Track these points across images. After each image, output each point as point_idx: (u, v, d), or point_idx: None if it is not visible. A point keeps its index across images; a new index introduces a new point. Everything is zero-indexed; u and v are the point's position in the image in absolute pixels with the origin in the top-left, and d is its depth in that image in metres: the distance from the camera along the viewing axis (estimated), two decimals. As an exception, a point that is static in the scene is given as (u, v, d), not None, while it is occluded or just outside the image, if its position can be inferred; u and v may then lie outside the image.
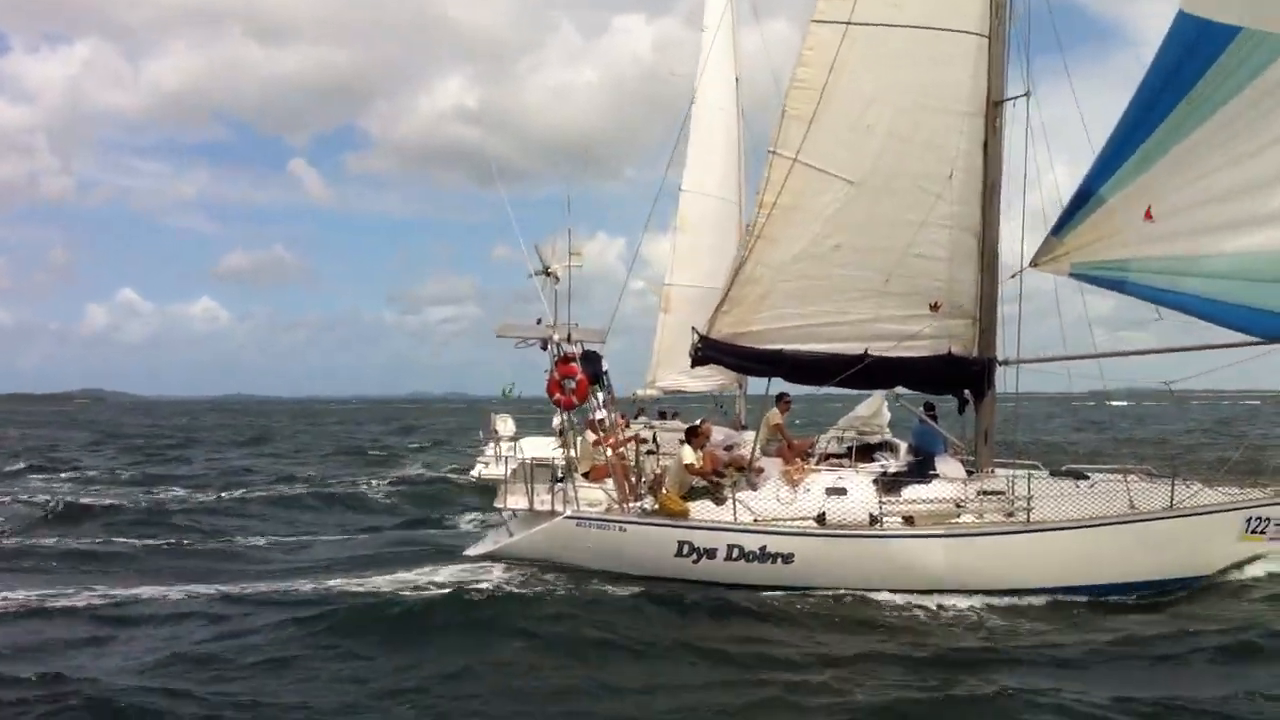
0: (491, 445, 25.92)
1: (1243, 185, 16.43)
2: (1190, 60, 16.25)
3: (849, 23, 16.95)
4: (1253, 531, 17.37)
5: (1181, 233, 16.74)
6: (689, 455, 17.63)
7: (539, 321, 17.69)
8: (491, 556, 17.87)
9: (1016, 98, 17.69)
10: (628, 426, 20.40)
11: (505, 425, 26.90)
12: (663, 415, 30.31)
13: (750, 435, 20.94)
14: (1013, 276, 18.00)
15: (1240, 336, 17.35)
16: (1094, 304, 18.39)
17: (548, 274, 17.89)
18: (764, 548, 16.51)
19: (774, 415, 19.28)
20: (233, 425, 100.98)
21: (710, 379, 27.48)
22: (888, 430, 19.73)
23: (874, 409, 20.29)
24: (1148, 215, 16.70)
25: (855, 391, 18.88)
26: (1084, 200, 17.03)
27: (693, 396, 30.45)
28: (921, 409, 19.20)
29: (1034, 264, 17.56)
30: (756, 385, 23.45)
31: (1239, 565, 17.28)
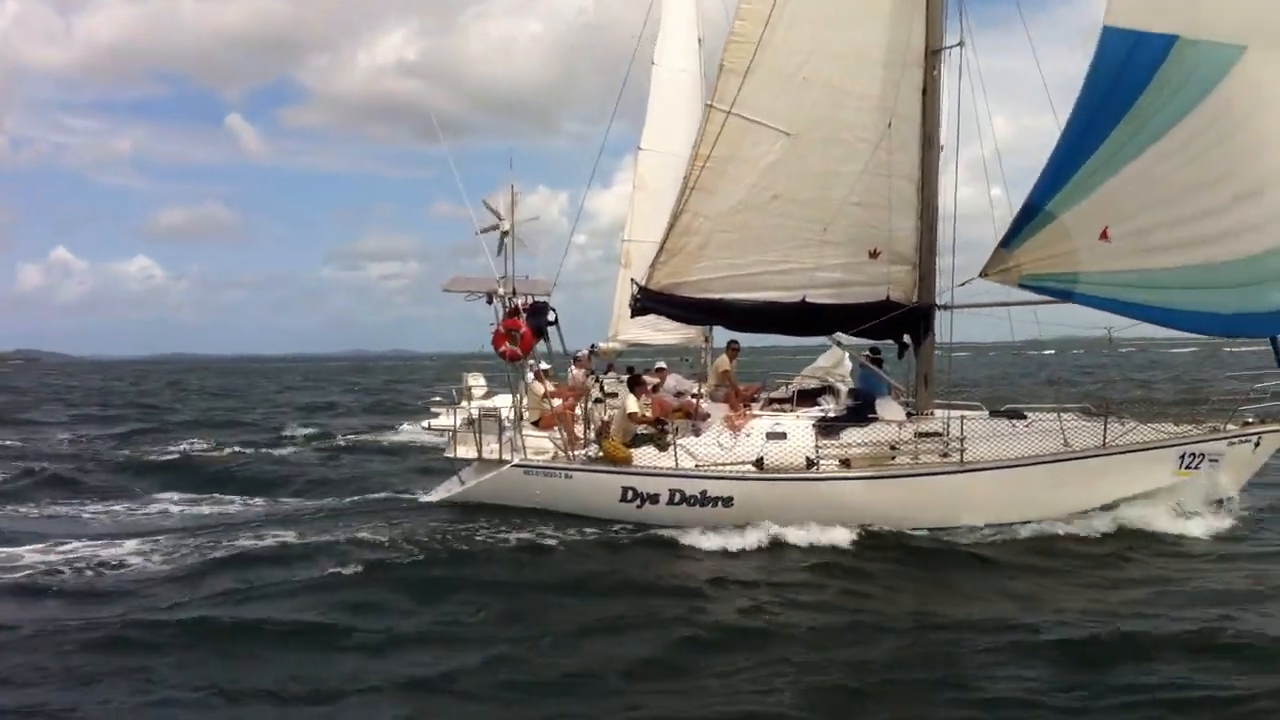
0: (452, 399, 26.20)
1: (1201, 210, 16.66)
2: (1128, 73, 16.39)
3: (784, -26, 17.12)
4: (1186, 468, 17.82)
5: (1138, 251, 17.00)
6: (632, 404, 18.08)
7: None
8: (444, 504, 18.35)
9: (950, 47, 17.91)
10: (597, 383, 20.72)
11: (477, 381, 27.33)
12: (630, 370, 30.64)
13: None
14: (962, 285, 18.40)
15: None
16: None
17: (500, 232, 18.16)
18: (704, 492, 17.02)
19: (722, 362, 19.67)
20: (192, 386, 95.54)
21: (674, 332, 27.75)
22: (849, 379, 20.17)
23: (835, 359, 20.71)
24: (1104, 235, 16.98)
25: (797, 339, 19.23)
26: (1031, 215, 17.25)
27: (655, 351, 30.47)
28: (866, 354, 19.66)
29: (983, 274, 17.88)
30: (722, 339, 23.70)
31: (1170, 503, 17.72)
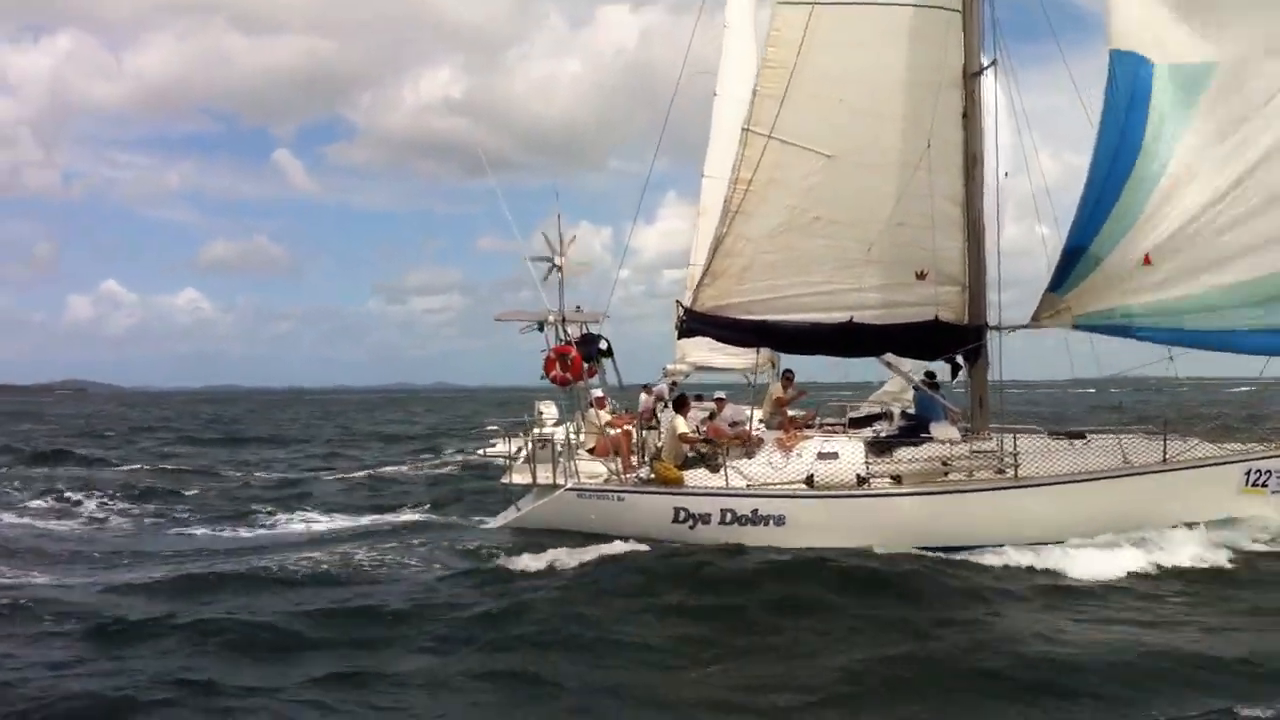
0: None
1: (1230, 220, 16.73)
2: (1132, 109, 16.80)
3: (814, 2, 17.58)
4: (1253, 484, 17.39)
5: (1185, 273, 17.04)
6: (681, 424, 18.30)
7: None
8: (504, 529, 18.63)
9: (984, 68, 18.15)
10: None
11: (549, 409, 27.50)
12: (699, 399, 30.72)
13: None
14: (1012, 330, 18.56)
15: None
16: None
17: (551, 265, 18.72)
18: (756, 510, 17.08)
19: (776, 389, 19.85)
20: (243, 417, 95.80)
21: (740, 356, 27.47)
22: (909, 405, 20.16)
23: (900, 386, 20.75)
24: (1146, 260, 17.06)
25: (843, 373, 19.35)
26: (1076, 257, 17.42)
27: (721, 374, 30.20)
28: (922, 379, 19.66)
29: (1035, 319, 18.03)
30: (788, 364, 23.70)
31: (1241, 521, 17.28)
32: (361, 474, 34.30)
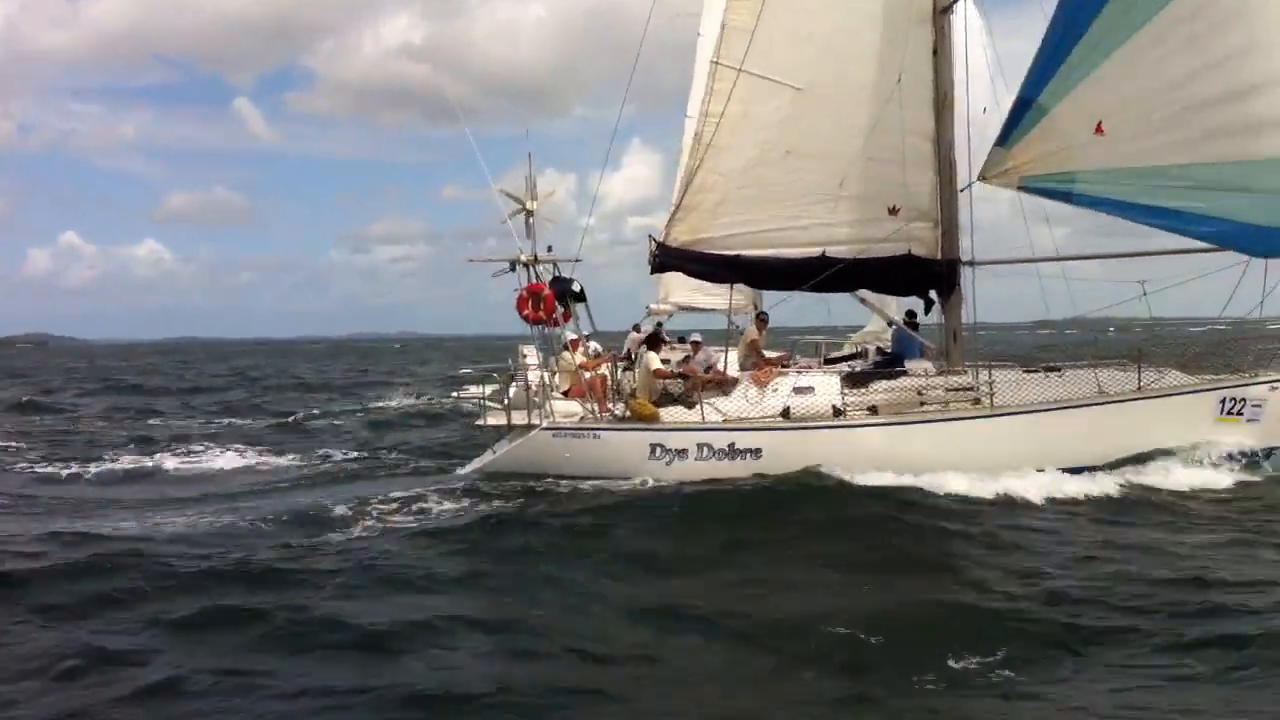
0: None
1: (1200, 100, 16.42)
2: None
3: (784, -64, 17.58)
4: (1227, 413, 17.52)
5: (1137, 146, 16.79)
6: (654, 360, 18.25)
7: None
8: (478, 473, 18.47)
9: (953, 3, 18.17)
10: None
11: (532, 353, 26.77)
12: (680, 340, 30.27)
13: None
14: (962, 190, 18.39)
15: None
16: (1042, 235, 18.73)
17: (525, 212, 18.61)
18: (732, 444, 17.03)
19: (750, 332, 19.76)
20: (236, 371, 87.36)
21: (723, 295, 27.01)
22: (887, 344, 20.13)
23: (880, 327, 20.70)
24: (1099, 130, 16.84)
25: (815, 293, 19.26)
26: (1025, 108, 17.22)
27: (705, 313, 29.63)
28: (903, 318, 19.68)
29: (982, 177, 17.83)
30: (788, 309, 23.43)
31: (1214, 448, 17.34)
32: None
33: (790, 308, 20.30)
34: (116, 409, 39.67)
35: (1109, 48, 16.63)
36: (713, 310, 27.98)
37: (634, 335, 20.89)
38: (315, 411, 35.41)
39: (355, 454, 23.96)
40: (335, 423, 31.41)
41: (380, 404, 38.56)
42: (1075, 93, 16.91)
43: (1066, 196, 17.48)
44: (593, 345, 19.34)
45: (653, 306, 29.06)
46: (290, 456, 23.54)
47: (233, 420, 33.88)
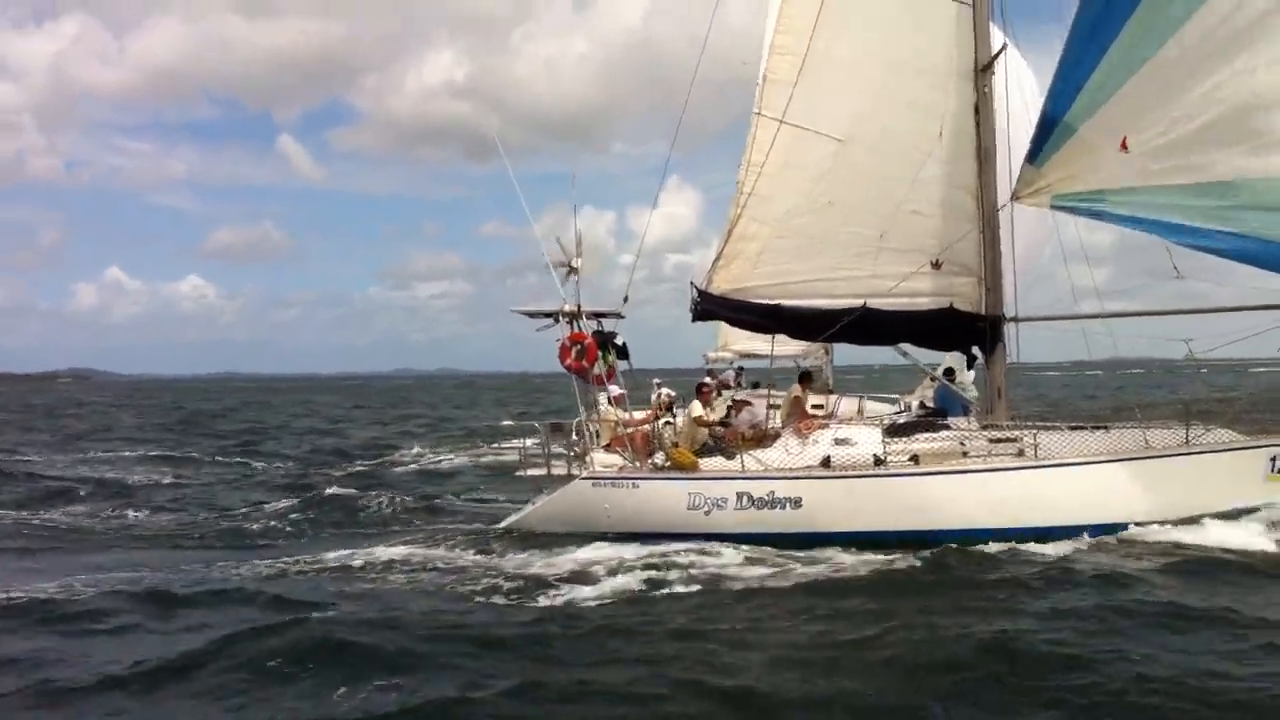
0: None
1: (1242, 108, 16.17)
2: None
3: (826, -11, 17.89)
4: (1278, 471, 17.12)
5: (1166, 163, 16.63)
6: (697, 409, 18.24)
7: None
8: (516, 527, 18.41)
9: (995, 57, 18.34)
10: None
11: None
12: (755, 385, 29.89)
13: (835, 399, 22.37)
14: (1000, 208, 18.32)
15: (1271, 296, 17.04)
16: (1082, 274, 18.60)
17: (568, 269, 18.82)
18: (772, 493, 16.87)
19: (795, 389, 19.71)
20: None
21: (790, 343, 25.20)
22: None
23: (929, 388, 20.45)
24: (1123, 146, 16.78)
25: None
26: (1050, 126, 17.25)
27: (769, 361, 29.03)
28: (942, 372, 19.56)
29: (1015, 197, 17.81)
30: (842, 353, 23.01)
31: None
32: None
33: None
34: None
35: (1133, 64, 16.56)
36: (778, 357, 27.37)
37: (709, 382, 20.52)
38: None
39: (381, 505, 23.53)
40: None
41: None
42: (1101, 110, 16.89)
43: (1098, 215, 17.44)
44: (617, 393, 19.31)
45: (710, 355, 28.67)
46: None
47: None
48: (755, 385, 29.69)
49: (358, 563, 16.50)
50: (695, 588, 14.54)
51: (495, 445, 33.89)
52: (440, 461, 33.87)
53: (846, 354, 19.89)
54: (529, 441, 19.72)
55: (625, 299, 18.84)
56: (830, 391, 26.55)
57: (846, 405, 22.40)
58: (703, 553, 16.29)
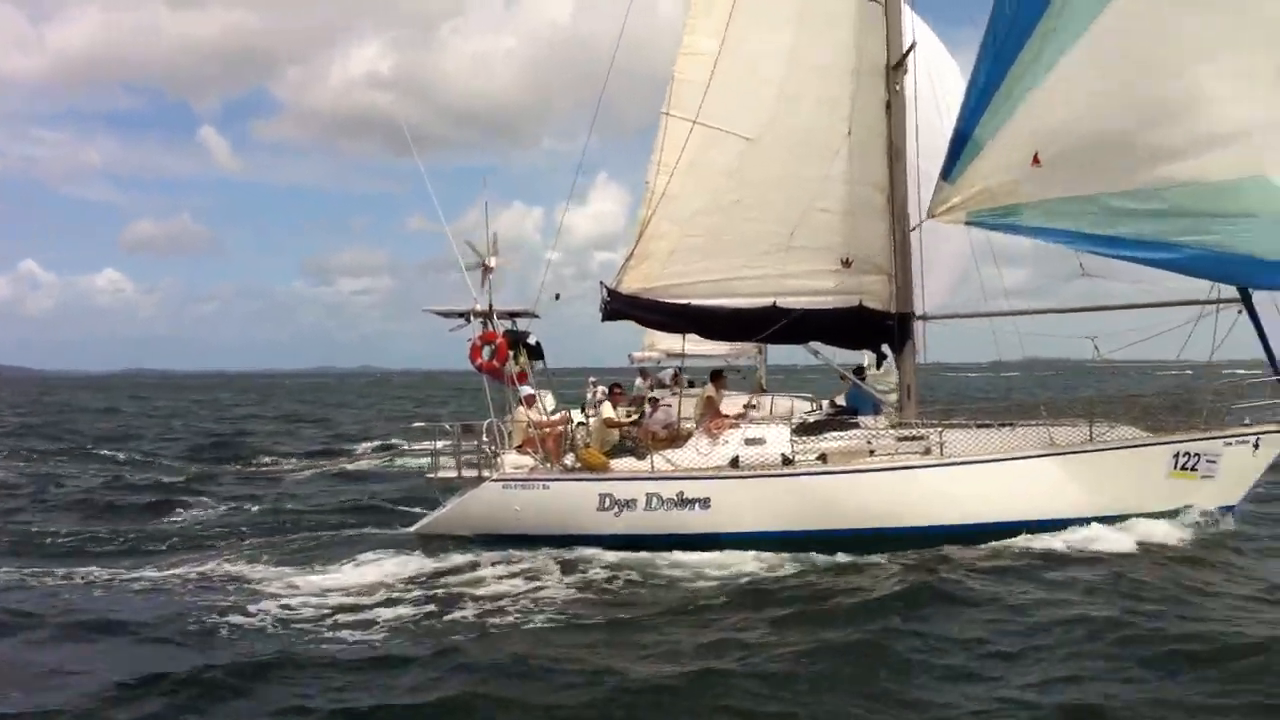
0: None
1: (1144, 118, 16.36)
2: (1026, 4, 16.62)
3: (735, -11, 17.81)
4: (1182, 468, 17.32)
5: (1075, 175, 16.81)
6: (607, 410, 18.20)
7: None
8: (426, 531, 18.20)
9: (905, 54, 18.37)
10: (645, 401, 20.47)
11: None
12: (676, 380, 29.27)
13: (768, 399, 22.06)
14: (912, 229, 18.44)
15: (1176, 293, 17.55)
16: (1006, 276, 18.86)
17: (485, 268, 18.64)
18: (681, 494, 16.84)
19: (708, 389, 19.65)
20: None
21: (715, 343, 25.14)
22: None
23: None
24: (1035, 161, 16.91)
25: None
26: (962, 142, 17.40)
27: (699, 360, 28.03)
28: (852, 372, 19.64)
29: (931, 214, 17.95)
30: (776, 353, 22.91)
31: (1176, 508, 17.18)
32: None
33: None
34: None
35: (1034, 79, 16.72)
36: (709, 355, 27.20)
37: (639, 383, 20.27)
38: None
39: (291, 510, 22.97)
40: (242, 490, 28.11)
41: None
42: (1009, 127, 17.02)
43: (1014, 229, 17.60)
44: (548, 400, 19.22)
45: (636, 355, 28.40)
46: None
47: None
48: (691, 384, 29.43)
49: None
50: (600, 591, 14.57)
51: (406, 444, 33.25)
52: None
53: (784, 353, 19.76)
54: (440, 443, 19.55)
55: (557, 296, 18.66)
56: (764, 391, 26.48)
57: (780, 404, 22.32)
58: (607, 555, 16.35)
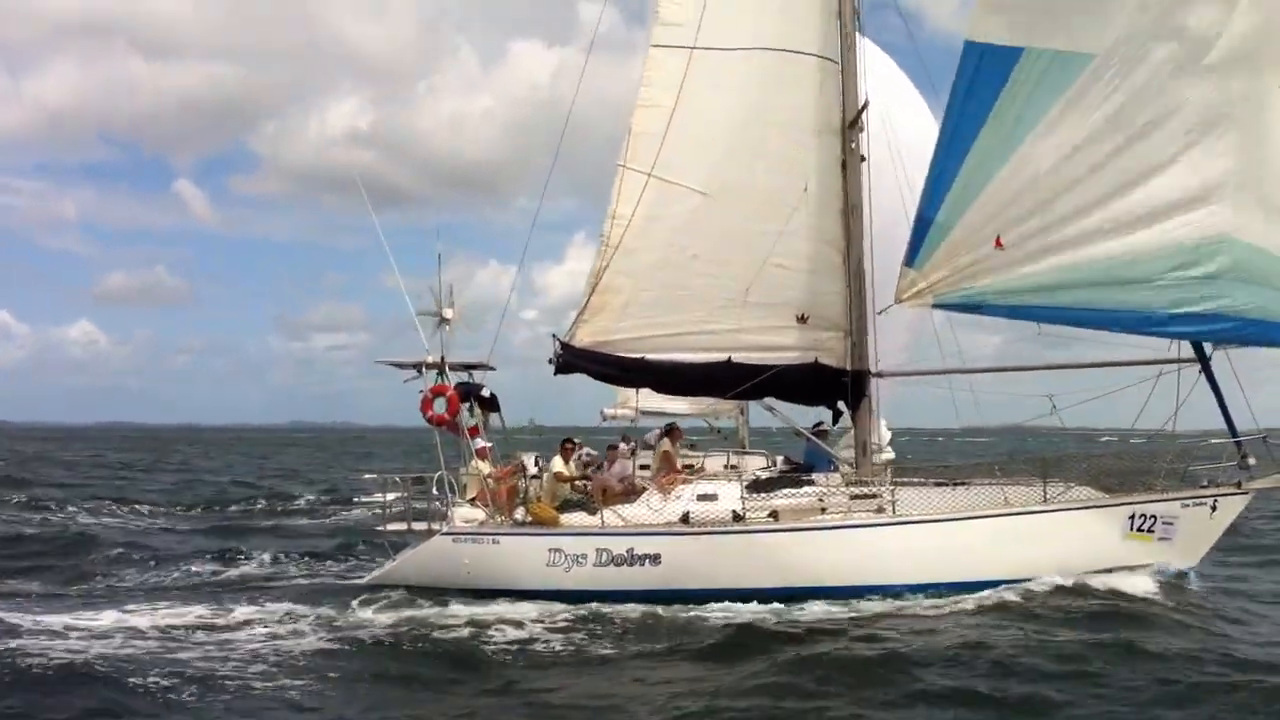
0: None
1: (1086, 202, 16.86)
2: (983, 85, 17.03)
3: (692, 48, 17.93)
4: (1138, 530, 17.26)
5: (1035, 253, 17.14)
6: (558, 464, 18.03)
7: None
8: (377, 583, 17.97)
9: (860, 111, 18.48)
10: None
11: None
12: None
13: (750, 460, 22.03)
14: (880, 313, 18.59)
15: (1132, 353, 17.79)
16: (979, 342, 19.01)
17: (438, 319, 18.59)
18: (631, 550, 16.69)
19: (664, 444, 19.53)
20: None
21: (700, 402, 25.81)
22: (889, 451, 20.04)
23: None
24: (998, 244, 17.21)
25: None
26: (925, 228, 17.58)
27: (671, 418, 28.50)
28: (809, 428, 19.55)
29: (898, 300, 18.02)
30: (759, 414, 22.83)
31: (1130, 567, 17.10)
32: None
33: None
34: None
35: (992, 168, 17.09)
36: (684, 415, 26.77)
37: (622, 448, 19.87)
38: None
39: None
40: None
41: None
42: (971, 212, 17.29)
43: (979, 309, 17.79)
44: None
45: (608, 410, 27.94)
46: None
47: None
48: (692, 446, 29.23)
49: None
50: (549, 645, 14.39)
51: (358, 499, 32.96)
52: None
53: (763, 414, 19.58)
54: (390, 496, 19.40)
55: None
56: (746, 451, 26.17)
57: (757, 464, 22.15)
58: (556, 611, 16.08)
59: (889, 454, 20.08)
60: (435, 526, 17.68)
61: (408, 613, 16.14)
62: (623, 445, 19.86)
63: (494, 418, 19.26)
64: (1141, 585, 16.70)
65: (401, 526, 18.23)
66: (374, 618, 15.92)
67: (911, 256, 17.76)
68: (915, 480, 18.43)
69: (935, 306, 18.08)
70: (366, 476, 34.12)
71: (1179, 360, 17.45)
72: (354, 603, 16.68)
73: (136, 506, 34.67)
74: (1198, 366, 17.37)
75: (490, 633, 14.96)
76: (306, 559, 22.35)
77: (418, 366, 18.16)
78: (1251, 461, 17.52)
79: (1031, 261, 17.07)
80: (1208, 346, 17.36)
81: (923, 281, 17.77)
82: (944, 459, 21.54)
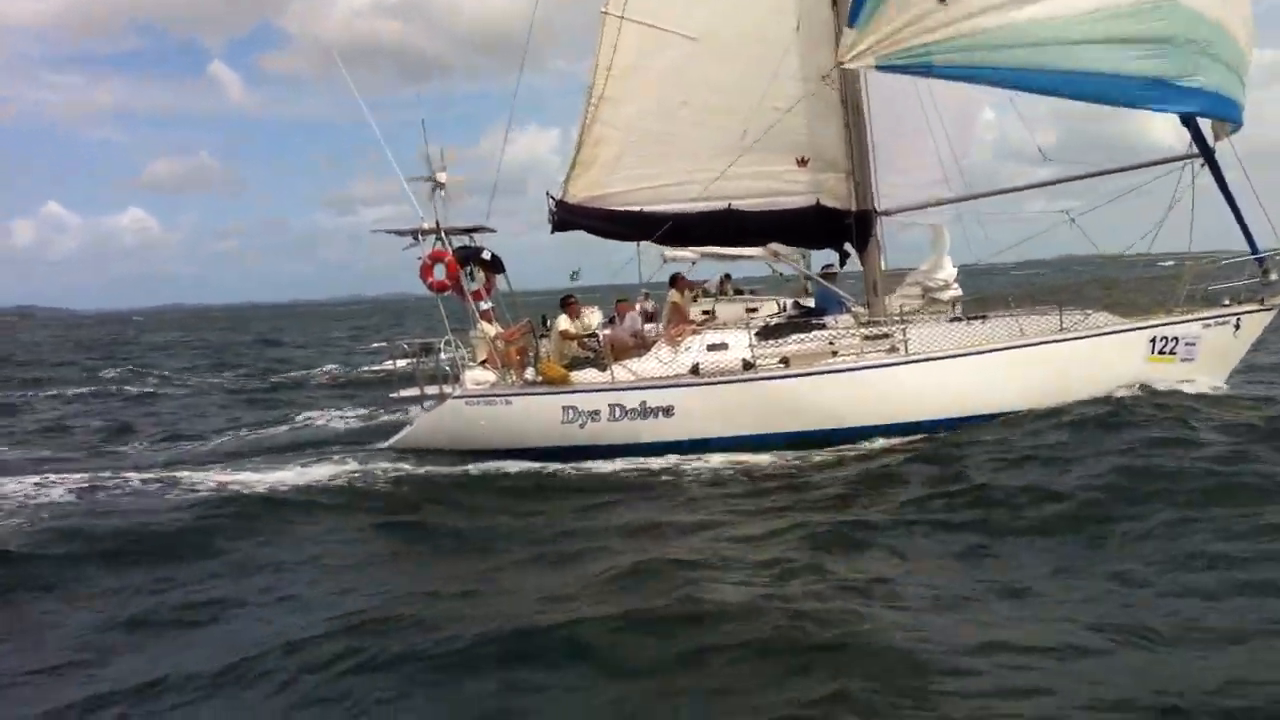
0: None
1: None
2: None
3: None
4: (1159, 352, 17.03)
5: (986, 7, 15.90)
6: (564, 322, 18.00)
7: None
8: (398, 446, 18.11)
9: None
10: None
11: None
12: (724, 291, 28.94)
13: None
14: (824, 78, 17.70)
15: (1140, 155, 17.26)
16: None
17: (436, 185, 18.34)
18: (644, 403, 16.68)
19: (673, 295, 19.38)
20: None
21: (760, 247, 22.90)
22: (955, 288, 19.62)
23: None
24: None
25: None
26: None
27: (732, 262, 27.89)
28: (820, 271, 19.32)
29: (839, 63, 16.96)
30: (818, 260, 22.53)
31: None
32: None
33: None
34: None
35: None
36: (749, 257, 25.66)
37: (672, 293, 19.33)
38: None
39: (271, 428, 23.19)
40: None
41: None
42: None
43: (927, 71, 16.56)
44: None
45: (668, 254, 26.92)
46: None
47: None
48: (739, 292, 28.96)
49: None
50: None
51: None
52: None
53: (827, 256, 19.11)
54: (401, 362, 19.41)
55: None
56: (808, 294, 25.53)
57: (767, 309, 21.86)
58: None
59: (955, 291, 19.60)
60: (447, 389, 17.74)
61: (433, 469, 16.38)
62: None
63: (500, 280, 19.13)
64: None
65: (414, 392, 18.30)
66: (397, 475, 16.16)
67: (854, 16, 16.64)
68: (928, 317, 18.21)
69: (880, 68, 16.76)
70: (374, 345, 34.24)
71: (1184, 157, 16.89)
72: (376, 467, 16.85)
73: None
74: (1200, 160, 16.74)
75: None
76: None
77: (414, 233, 18.00)
78: (1274, 277, 17.21)
79: (982, 15, 15.86)
80: (1209, 138, 16.72)
81: (863, 43, 16.50)
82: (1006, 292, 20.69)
